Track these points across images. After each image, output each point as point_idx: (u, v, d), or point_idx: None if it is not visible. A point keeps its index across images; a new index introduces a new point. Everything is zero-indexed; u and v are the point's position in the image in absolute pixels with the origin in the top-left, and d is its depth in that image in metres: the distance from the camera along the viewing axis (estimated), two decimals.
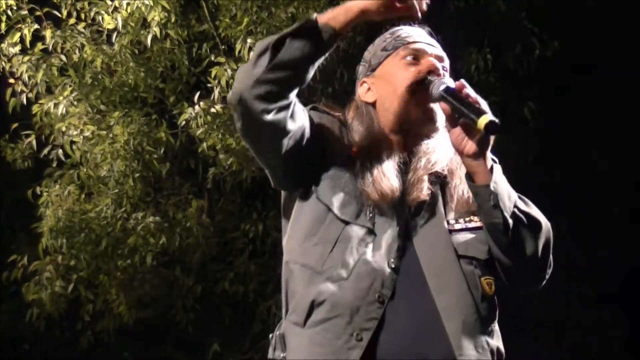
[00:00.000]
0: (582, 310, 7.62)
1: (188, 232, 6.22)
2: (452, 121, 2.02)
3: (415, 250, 2.01)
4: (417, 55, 2.15)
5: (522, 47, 6.76)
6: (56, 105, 5.78)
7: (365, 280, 1.96)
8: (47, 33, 5.72)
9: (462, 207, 2.09)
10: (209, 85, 5.90)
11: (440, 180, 2.11)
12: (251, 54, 2.05)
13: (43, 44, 5.77)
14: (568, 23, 7.32)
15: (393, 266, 1.98)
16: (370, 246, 1.99)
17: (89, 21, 5.85)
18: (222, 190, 6.75)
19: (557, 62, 7.09)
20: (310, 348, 1.95)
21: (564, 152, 7.72)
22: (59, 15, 5.80)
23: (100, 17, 5.76)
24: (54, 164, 6.09)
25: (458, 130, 2.01)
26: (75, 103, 5.86)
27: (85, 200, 6.15)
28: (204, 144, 5.85)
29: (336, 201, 2.03)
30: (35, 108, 5.86)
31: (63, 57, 5.83)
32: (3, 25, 5.72)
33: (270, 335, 2.07)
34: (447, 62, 2.17)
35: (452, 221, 2.07)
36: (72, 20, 5.84)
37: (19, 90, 5.81)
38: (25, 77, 5.74)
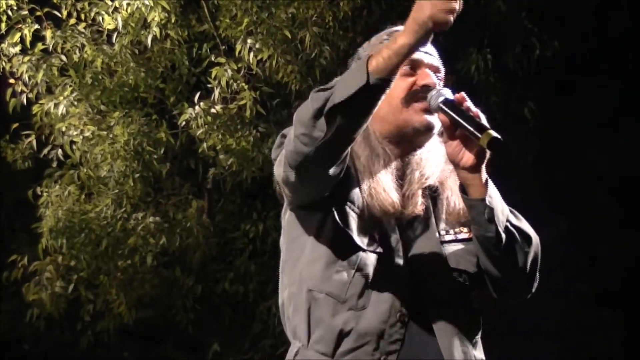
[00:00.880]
0: (582, 310, 7.61)
1: (188, 232, 6.22)
2: (450, 133, 2.00)
3: (409, 264, 2.02)
4: (414, 65, 2.13)
5: (522, 47, 6.76)
6: (56, 106, 5.78)
7: (386, 303, 1.97)
8: (48, 33, 5.72)
9: (453, 219, 2.10)
10: (209, 85, 5.90)
11: (431, 192, 2.11)
12: (302, 110, 1.93)
13: (43, 44, 5.77)
14: (568, 23, 7.31)
15: (404, 284, 2.00)
16: (384, 268, 2.00)
17: (89, 21, 5.85)
18: (222, 191, 6.76)
19: (557, 62, 7.09)
20: None
21: (564, 152, 7.72)
22: (59, 15, 5.79)
23: (100, 18, 5.76)
24: (54, 164, 6.09)
25: (456, 142, 1.99)
26: (75, 103, 5.86)
27: (85, 200, 6.15)
28: (204, 144, 5.86)
29: (354, 227, 2.02)
30: (35, 108, 5.85)
31: (63, 57, 5.83)
32: (3, 25, 5.71)
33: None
34: (442, 72, 2.16)
35: (442, 232, 2.09)
36: (72, 21, 5.83)
37: (19, 90, 5.81)
38: (25, 77, 5.73)
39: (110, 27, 5.77)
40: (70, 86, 5.87)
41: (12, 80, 5.80)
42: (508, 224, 2.02)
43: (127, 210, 6.10)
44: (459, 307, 2.03)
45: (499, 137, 1.90)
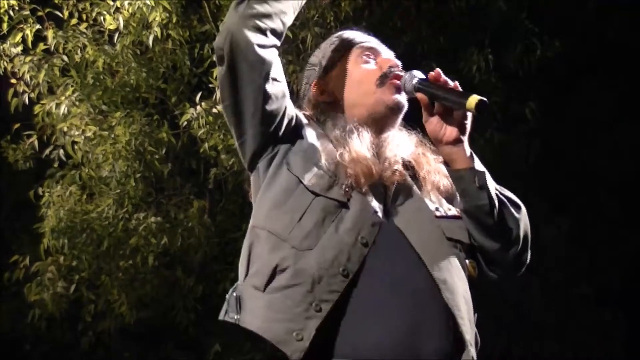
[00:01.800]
0: (583, 310, 7.62)
1: (189, 232, 6.22)
2: (429, 111, 2.06)
3: (400, 230, 2.00)
4: (373, 54, 2.23)
5: (523, 48, 6.76)
6: (58, 106, 5.79)
7: (330, 252, 1.93)
8: (49, 33, 5.73)
9: (439, 195, 2.12)
10: (210, 85, 5.91)
11: (409, 171, 2.13)
12: None
13: (45, 44, 5.78)
14: (569, 23, 7.32)
15: (364, 242, 1.96)
16: (341, 219, 1.97)
17: (91, 22, 5.86)
18: (224, 191, 6.76)
19: (558, 63, 7.10)
20: (267, 312, 1.92)
21: (564, 153, 7.72)
22: (61, 15, 5.80)
23: (102, 18, 5.77)
24: (56, 165, 6.10)
25: (436, 119, 2.05)
26: (77, 103, 5.87)
27: (87, 200, 6.16)
28: (206, 145, 5.86)
29: (308, 174, 2.02)
30: (37, 108, 5.86)
31: (65, 58, 5.84)
32: (5, 25, 5.72)
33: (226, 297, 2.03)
34: (399, 63, 2.22)
35: (432, 206, 2.09)
36: (73, 21, 5.84)
37: (21, 90, 5.82)
38: (27, 77, 5.74)
39: (112, 27, 5.78)
40: (72, 86, 5.88)
41: (13, 81, 5.81)
42: (497, 192, 2.06)
43: (128, 210, 6.11)
44: (460, 270, 2.02)
45: (484, 98, 1.94)
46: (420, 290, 1.95)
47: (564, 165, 7.69)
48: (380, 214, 2.01)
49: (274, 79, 2.07)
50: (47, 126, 5.98)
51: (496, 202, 2.03)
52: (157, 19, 5.70)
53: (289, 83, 6.65)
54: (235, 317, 1.96)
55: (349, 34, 2.29)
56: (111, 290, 6.27)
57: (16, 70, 5.75)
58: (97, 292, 6.36)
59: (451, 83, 2.02)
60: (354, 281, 1.92)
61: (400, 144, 2.15)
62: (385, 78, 2.15)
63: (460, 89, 2.01)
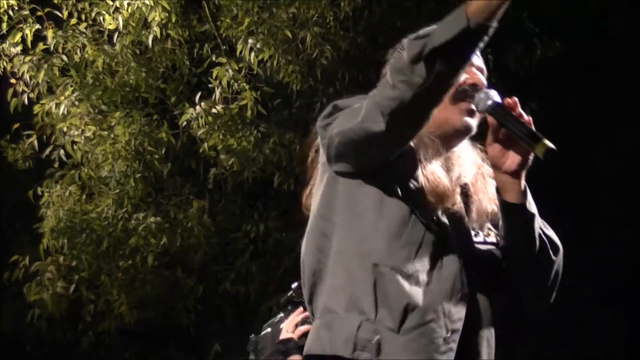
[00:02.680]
0: (584, 310, 7.61)
1: (189, 232, 6.22)
2: (495, 136, 2.00)
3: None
4: None
5: (524, 48, 6.76)
6: (57, 106, 5.78)
7: (448, 282, 1.95)
8: (49, 33, 5.73)
9: (482, 220, 2.09)
10: (210, 85, 5.90)
11: (463, 192, 2.10)
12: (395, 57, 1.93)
13: (44, 44, 5.78)
14: (569, 24, 7.31)
15: (463, 265, 1.98)
16: (444, 248, 1.98)
17: (90, 21, 5.86)
18: (223, 191, 6.76)
19: (558, 63, 7.09)
20: (405, 355, 1.92)
21: (565, 153, 7.70)
22: (60, 15, 5.80)
23: (101, 18, 5.77)
24: (56, 165, 6.09)
25: (499, 146, 2.00)
26: (76, 103, 5.86)
27: (87, 200, 6.15)
28: (205, 145, 5.86)
29: (419, 203, 1.99)
30: (36, 108, 5.86)
31: (64, 57, 5.84)
32: (4, 25, 5.72)
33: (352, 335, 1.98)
34: (485, 74, 2.15)
35: (472, 232, 2.08)
36: (73, 21, 5.84)
37: (21, 90, 5.81)
38: (26, 77, 5.74)
39: (111, 27, 5.77)
40: (72, 86, 5.87)
41: (13, 80, 5.81)
42: (541, 232, 2.04)
43: (128, 210, 6.10)
44: (487, 308, 2.04)
45: (554, 147, 1.91)
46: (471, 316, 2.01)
47: (566, 165, 7.67)
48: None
49: None
50: (46, 126, 5.97)
51: (537, 243, 2.01)
52: (157, 18, 5.69)
53: (288, 83, 6.62)
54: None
55: None
56: (111, 290, 6.26)
57: (16, 70, 5.74)
58: (97, 292, 6.36)
59: (525, 117, 1.97)
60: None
61: (464, 163, 2.11)
62: (461, 94, 2.06)
63: (532, 126, 1.96)
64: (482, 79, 2.12)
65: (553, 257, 2.06)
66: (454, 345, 1.92)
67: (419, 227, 1.97)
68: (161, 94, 6.26)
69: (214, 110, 5.78)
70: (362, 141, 1.93)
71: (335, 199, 2.05)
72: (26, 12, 5.71)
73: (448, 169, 2.08)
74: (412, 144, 2.03)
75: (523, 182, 2.02)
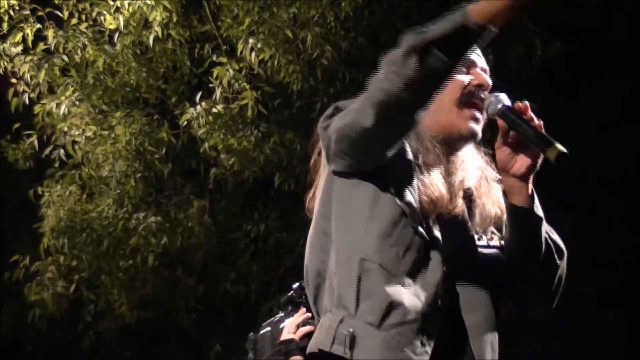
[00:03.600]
0: (585, 310, 7.61)
1: (190, 232, 6.22)
2: (504, 138, 2.00)
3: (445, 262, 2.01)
4: (469, 65, 2.12)
5: (525, 48, 6.75)
6: (58, 106, 5.79)
7: (431, 288, 1.95)
8: (50, 33, 5.73)
9: (486, 224, 2.09)
10: (210, 85, 5.90)
11: (466, 195, 2.10)
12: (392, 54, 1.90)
13: (45, 44, 5.78)
14: (570, 24, 7.31)
15: (447, 274, 1.97)
16: (430, 255, 1.97)
17: (91, 21, 5.86)
18: (224, 191, 6.75)
19: (559, 63, 7.08)
20: (384, 352, 1.91)
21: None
22: (61, 15, 5.80)
23: (102, 18, 5.77)
24: (56, 164, 6.09)
25: (508, 149, 2.00)
26: (77, 103, 5.87)
27: (87, 200, 6.15)
28: (206, 144, 5.86)
29: (410, 207, 1.98)
30: (37, 108, 5.86)
31: (65, 57, 5.84)
32: (5, 25, 5.73)
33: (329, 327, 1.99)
34: (489, 73, 2.15)
35: (475, 236, 2.07)
36: (74, 21, 5.84)
37: (21, 90, 5.82)
38: (27, 77, 5.75)
39: (112, 27, 5.77)
40: (72, 86, 5.88)
41: (14, 80, 5.81)
42: (547, 236, 2.03)
43: (128, 210, 6.10)
44: (491, 312, 2.02)
45: (566, 151, 1.90)
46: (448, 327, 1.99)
47: (566, 165, 7.67)
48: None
49: None
50: (47, 126, 5.98)
51: (543, 247, 2.01)
52: (158, 18, 5.69)
53: (289, 83, 6.63)
54: (348, 353, 1.93)
55: None
56: (111, 290, 6.26)
57: (16, 69, 5.75)
58: (97, 292, 6.36)
59: (536, 121, 1.97)
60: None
61: (468, 167, 2.10)
62: (468, 98, 2.07)
63: (543, 130, 1.96)
64: (487, 79, 2.12)
65: (558, 261, 2.05)
66: (429, 350, 1.91)
67: (408, 230, 1.97)
68: (162, 94, 6.26)
69: (214, 110, 5.79)
70: (357, 136, 1.93)
71: (333, 197, 2.05)
72: (27, 12, 5.71)
73: (451, 173, 2.07)
74: (412, 147, 2.03)
75: (531, 186, 2.01)
